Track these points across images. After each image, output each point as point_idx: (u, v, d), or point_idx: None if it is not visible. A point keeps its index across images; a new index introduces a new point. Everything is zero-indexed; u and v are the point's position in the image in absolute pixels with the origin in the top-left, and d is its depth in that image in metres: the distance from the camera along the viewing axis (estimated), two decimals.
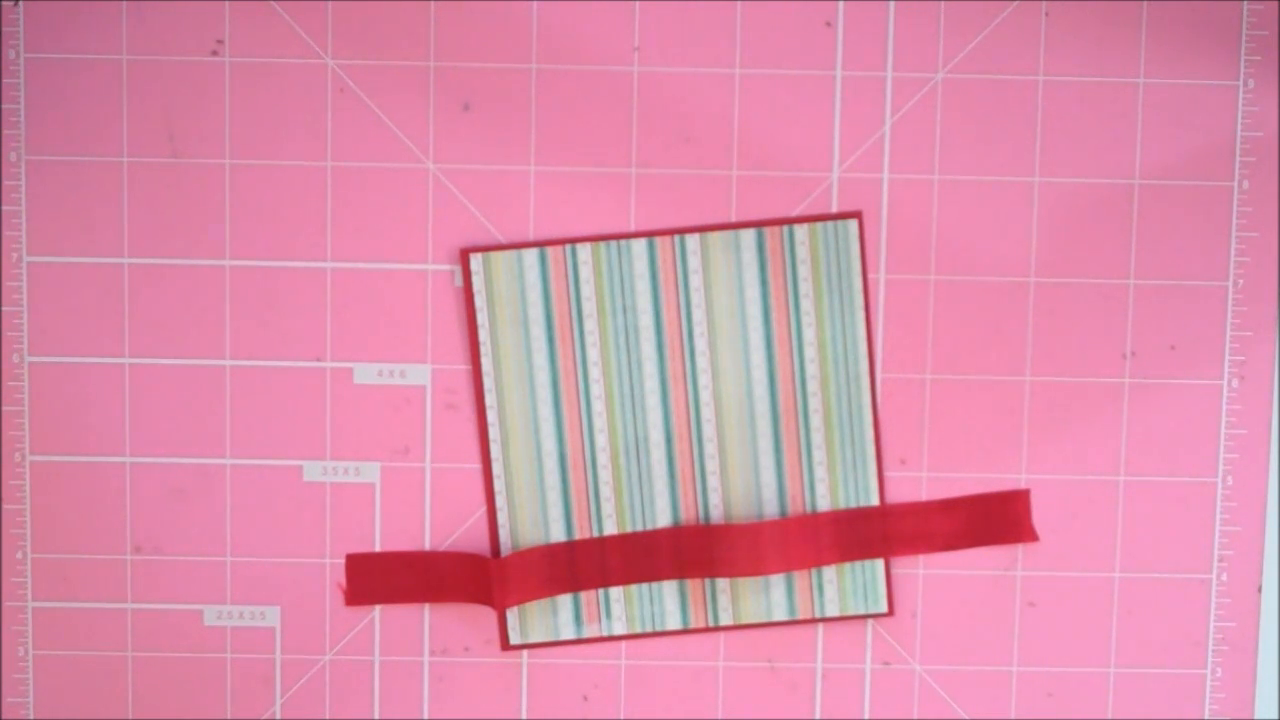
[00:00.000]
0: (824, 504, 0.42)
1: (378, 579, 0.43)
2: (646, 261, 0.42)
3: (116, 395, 0.42)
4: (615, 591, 0.42)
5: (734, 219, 0.42)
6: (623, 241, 0.42)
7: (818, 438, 0.42)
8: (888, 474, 0.42)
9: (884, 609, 0.43)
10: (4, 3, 0.41)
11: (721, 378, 0.42)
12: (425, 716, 0.43)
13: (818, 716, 0.43)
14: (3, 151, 0.42)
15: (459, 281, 0.42)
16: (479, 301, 0.42)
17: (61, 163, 0.42)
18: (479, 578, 0.42)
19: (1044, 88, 0.42)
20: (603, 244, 0.42)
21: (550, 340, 0.42)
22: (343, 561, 0.43)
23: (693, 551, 0.42)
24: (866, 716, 0.43)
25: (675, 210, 0.42)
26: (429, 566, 0.42)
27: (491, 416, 0.42)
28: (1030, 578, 0.43)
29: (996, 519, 0.42)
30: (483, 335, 0.42)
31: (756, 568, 0.41)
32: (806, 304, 0.42)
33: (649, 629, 0.43)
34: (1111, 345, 0.42)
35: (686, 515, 0.42)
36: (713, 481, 0.42)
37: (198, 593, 0.43)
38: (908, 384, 0.42)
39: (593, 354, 0.42)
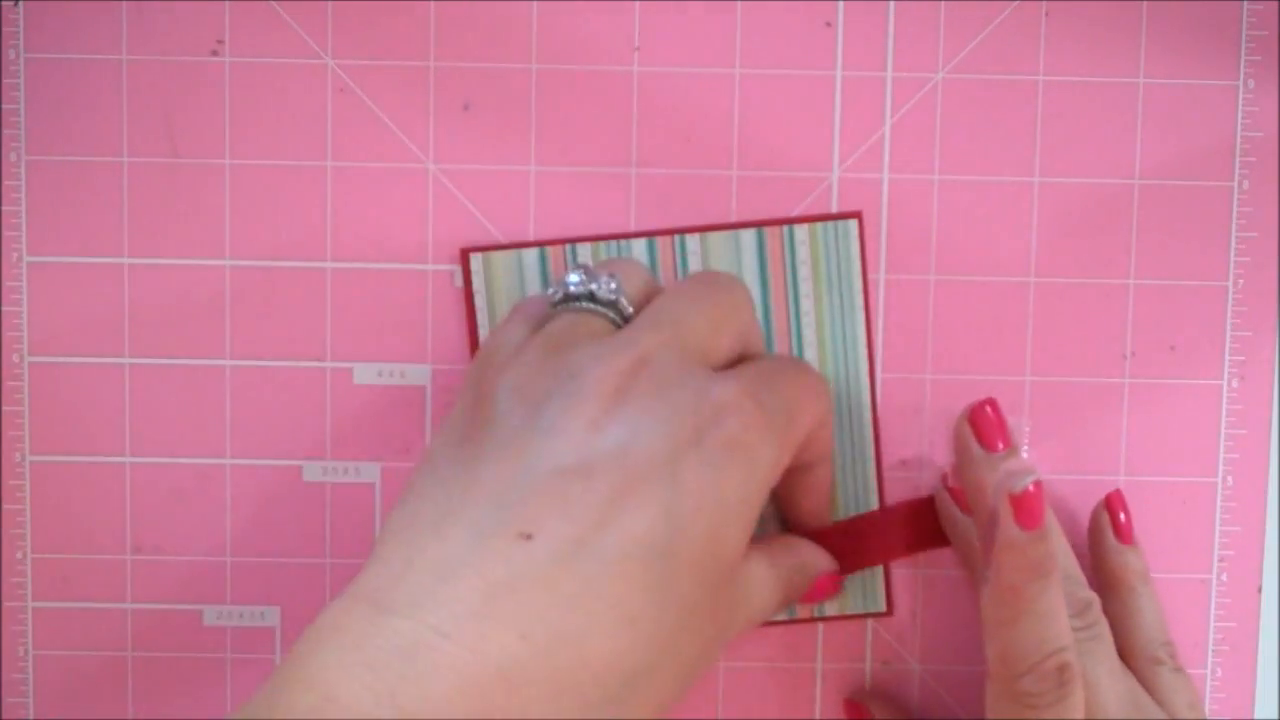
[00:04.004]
0: None
1: None
2: (646, 261, 0.42)
3: (116, 395, 0.42)
4: None
5: (734, 219, 0.42)
6: (623, 241, 0.42)
7: None
8: (888, 474, 0.42)
9: (883, 609, 0.43)
10: (4, 3, 0.41)
11: None
12: None
13: (818, 717, 0.43)
14: (3, 151, 0.42)
15: (459, 281, 0.42)
16: (479, 301, 0.42)
17: (61, 163, 0.42)
18: None
19: (1044, 88, 0.42)
20: (603, 244, 0.42)
21: None
22: (343, 561, 0.43)
23: None
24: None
25: (675, 210, 0.42)
26: None
27: None
28: None
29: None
30: (483, 335, 0.42)
31: None
32: (806, 304, 0.42)
33: None
34: (1111, 345, 0.42)
35: None
36: None
37: (198, 593, 0.43)
38: (908, 384, 0.42)
39: None
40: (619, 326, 0.35)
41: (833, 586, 0.40)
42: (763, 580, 0.36)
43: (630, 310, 0.36)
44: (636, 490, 0.30)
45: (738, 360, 0.36)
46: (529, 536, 0.29)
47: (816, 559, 0.39)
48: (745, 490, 0.32)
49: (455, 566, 0.28)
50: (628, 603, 0.29)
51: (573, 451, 0.30)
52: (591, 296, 0.36)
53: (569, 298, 0.36)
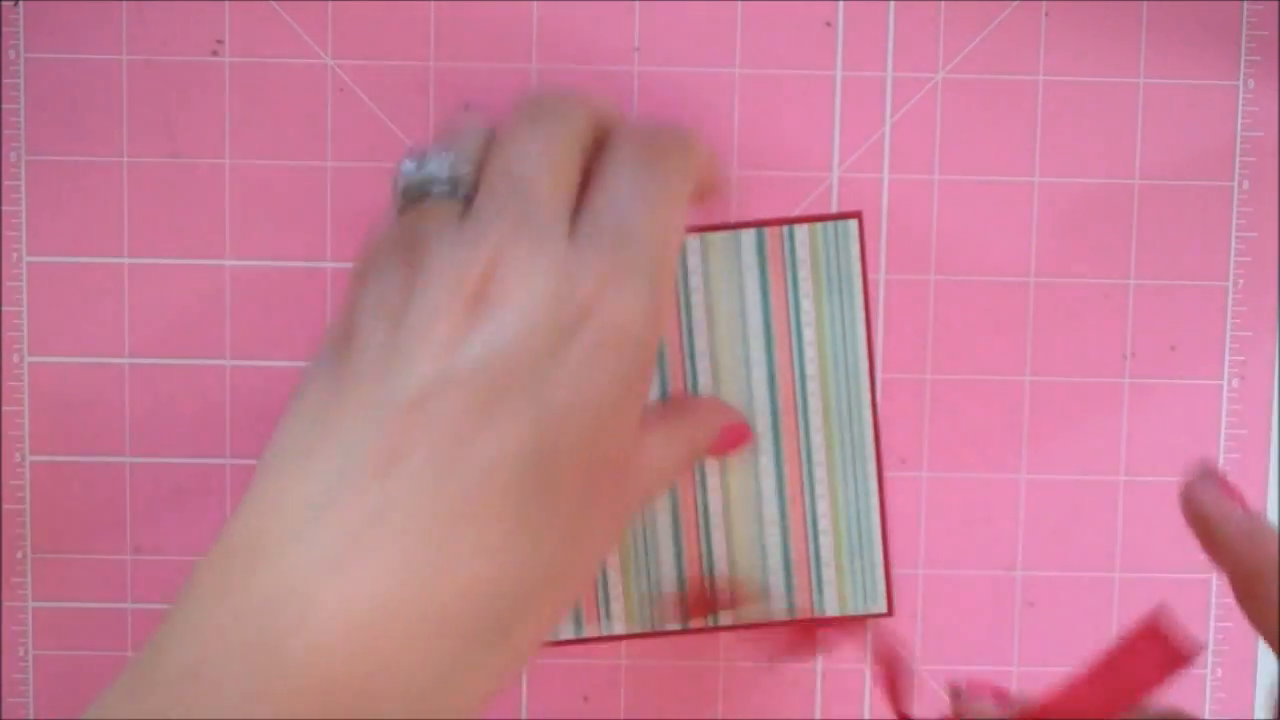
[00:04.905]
0: (823, 505, 0.42)
1: None
2: None
3: (116, 395, 0.42)
4: (615, 591, 0.42)
5: (734, 219, 0.42)
6: None
7: (817, 438, 0.42)
8: (888, 474, 0.42)
9: (884, 609, 0.43)
10: (4, 3, 0.41)
11: (721, 378, 0.42)
12: None
13: (818, 716, 0.43)
14: (3, 151, 0.42)
15: None
16: None
17: (61, 163, 0.42)
18: None
19: (1044, 88, 0.42)
20: None
21: None
22: None
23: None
24: (866, 716, 0.43)
25: None
26: None
27: None
28: (1030, 578, 0.43)
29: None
30: None
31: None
32: (806, 304, 0.42)
33: (649, 629, 0.42)
34: (1111, 345, 0.42)
35: (685, 515, 0.42)
36: (712, 481, 0.42)
37: None
38: (908, 384, 0.42)
39: None
40: (467, 201, 0.32)
41: (740, 436, 0.41)
42: (660, 455, 0.35)
43: (470, 179, 0.33)
44: (501, 402, 0.28)
45: (597, 155, 0.34)
46: (392, 465, 0.28)
47: (715, 413, 0.40)
48: (624, 382, 0.30)
49: (321, 505, 0.27)
50: (503, 521, 0.27)
51: (432, 371, 0.28)
52: (429, 182, 0.33)
53: (409, 192, 0.33)
